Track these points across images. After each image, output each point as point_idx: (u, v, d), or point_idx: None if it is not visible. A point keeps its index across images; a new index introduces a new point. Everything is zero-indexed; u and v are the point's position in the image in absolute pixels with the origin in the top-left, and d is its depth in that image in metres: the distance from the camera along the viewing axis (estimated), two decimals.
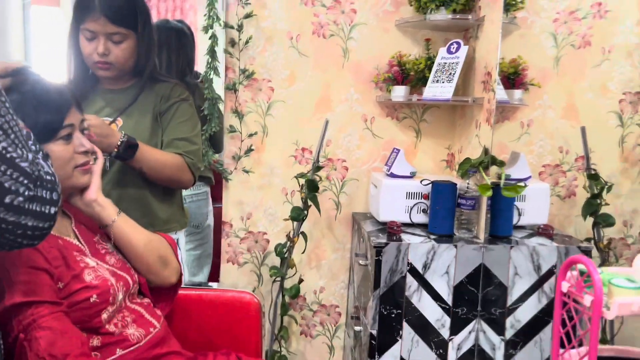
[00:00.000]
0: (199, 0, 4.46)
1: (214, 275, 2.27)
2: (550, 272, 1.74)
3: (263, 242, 2.10)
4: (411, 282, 1.71)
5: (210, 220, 2.34)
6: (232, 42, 1.98)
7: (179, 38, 2.15)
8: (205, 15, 1.92)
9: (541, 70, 2.04)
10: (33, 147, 0.80)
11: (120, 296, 1.14)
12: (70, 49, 1.46)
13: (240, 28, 1.96)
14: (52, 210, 0.79)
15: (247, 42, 1.98)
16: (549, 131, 2.09)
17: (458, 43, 1.91)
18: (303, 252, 2.05)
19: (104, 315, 1.10)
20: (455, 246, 1.71)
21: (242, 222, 2.09)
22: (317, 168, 1.94)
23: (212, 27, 1.92)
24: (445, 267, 1.72)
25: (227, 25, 1.95)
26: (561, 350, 0.98)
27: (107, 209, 1.19)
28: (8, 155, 0.73)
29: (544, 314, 1.75)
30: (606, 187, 1.96)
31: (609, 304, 0.88)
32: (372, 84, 2.06)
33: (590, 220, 1.98)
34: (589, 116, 2.08)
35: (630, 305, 0.87)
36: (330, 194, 2.10)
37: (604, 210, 1.97)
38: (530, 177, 1.92)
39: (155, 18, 4.51)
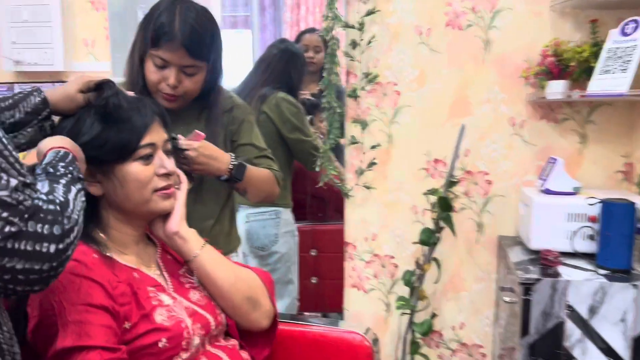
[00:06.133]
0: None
1: (319, 304, 2.08)
2: None
3: (391, 267, 1.85)
4: (572, 330, 1.33)
5: (284, 244, 2.08)
6: (353, 44, 1.77)
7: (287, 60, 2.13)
8: (324, 15, 1.75)
9: None
10: (23, 171, 0.66)
11: (197, 341, 0.98)
12: (132, 68, 1.33)
13: (361, 27, 1.75)
14: (52, 248, 0.64)
15: (369, 42, 1.76)
16: None
17: (636, 22, 1.48)
18: (436, 282, 1.75)
19: None
20: (635, 286, 1.30)
21: (367, 244, 1.86)
22: (450, 183, 1.64)
23: (332, 29, 1.74)
24: (621, 312, 1.31)
25: (347, 26, 1.75)
26: None
27: (190, 243, 1.05)
28: None
29: None
30: None
31: None
32: (522, 80, 1.70)
33: None
34: None
35: None
36: (469, 212, 1.78)
37: None
38: None
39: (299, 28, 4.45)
